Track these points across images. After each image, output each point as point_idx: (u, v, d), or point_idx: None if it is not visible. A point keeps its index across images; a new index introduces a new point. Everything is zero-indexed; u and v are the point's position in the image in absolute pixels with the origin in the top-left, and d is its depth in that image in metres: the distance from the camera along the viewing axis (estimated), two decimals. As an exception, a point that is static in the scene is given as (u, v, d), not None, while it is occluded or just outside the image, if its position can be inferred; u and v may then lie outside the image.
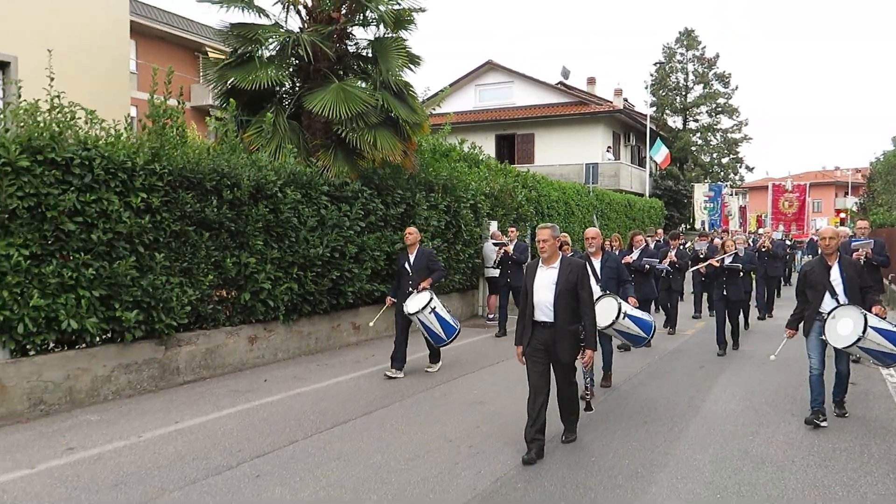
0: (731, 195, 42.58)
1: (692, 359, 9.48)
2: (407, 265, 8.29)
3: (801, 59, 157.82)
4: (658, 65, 38.92)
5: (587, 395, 5.97)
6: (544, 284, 5.25)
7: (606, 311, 6.83)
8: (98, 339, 6.87)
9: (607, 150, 31.77)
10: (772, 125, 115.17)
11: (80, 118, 6.97)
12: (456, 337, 8.21)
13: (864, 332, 5.75)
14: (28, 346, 6.32)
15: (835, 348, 6.09)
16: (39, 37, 9.34)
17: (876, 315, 5.93)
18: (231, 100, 9.55)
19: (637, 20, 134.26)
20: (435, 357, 8.60)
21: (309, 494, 4.59)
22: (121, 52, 10.52)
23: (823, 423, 6.05)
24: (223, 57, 10.85)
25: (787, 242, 22.79)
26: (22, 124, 6.38)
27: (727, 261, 9.96)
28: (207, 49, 11.69)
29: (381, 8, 10.20)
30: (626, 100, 36.24)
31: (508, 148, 33.64)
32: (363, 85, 10.81)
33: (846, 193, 65.54)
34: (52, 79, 6.91)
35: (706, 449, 5.48)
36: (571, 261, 5.38)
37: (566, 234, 10.73)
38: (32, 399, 6.32)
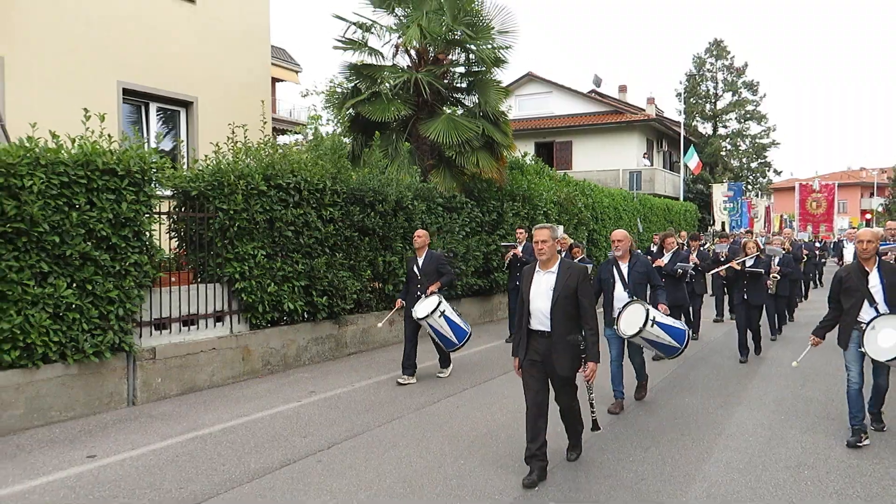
0: (758, 196, 43.88)
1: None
2: (416, 269, 8.19)
3: (826, 61, 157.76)
4: (689, 75, 40.68)
5: (592, 413, 5.33)
6: (541, 290, 4.86)
7: (634, 318, 6.45)
8: (301, 318, 9.14)
9: (644, 157, 33.69)
10: (798, 128, 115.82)
11: (276, 151, 9.26)
12: (468, 340, 8.06)
13: None
14: (260, 323, 8.59)
15: (874, 361, 5.63)
16: (213, 80, 11.68)
17: None
18: (376, 132, 11.74)
19: (665, 30, 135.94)
20: (445, 361, 8.54)
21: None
22: (265, 90, 12.85)
23: (866, 442, 5.66)
24: (346, 91, 13.13)
25: (817, 244, 22.72)
26: (256, 159, 8.64)
27: (748, 263, 9.59)
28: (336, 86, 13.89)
29: (484, 48, 12.37)
30: (657, 107, 38.14)
31: (547, 155, 35.51)
32: (461, 112, 13.04)
33: (872, 194, 66.40)
34: (264, 122, 9.16)
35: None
36: (571, 264, 5.00)
37: (566, 236, 11.72)
38: (263, 360, 8.61)
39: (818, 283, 21.61)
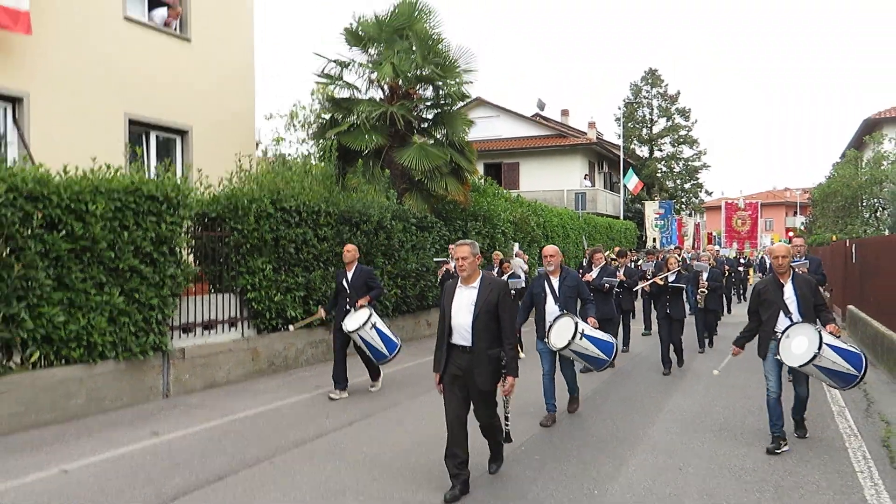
0: (689, 215, 46.69)
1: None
2: (345, 282, 8.22)
3: (755, 85, 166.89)
4: (626, 102, 43.42)
5: (506, 425, 5.31)
6: (463, 305, 4.90)
7: (563, 331, 6.58)
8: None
9: (585, 178, 35.85)
10: (728, 151, 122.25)
11: (280, 177, 10.51)
12: (397, 353, 8.10)
13: (819, 349, 5.52)
14: (264, 327, 9.78)
15: (791, 369, 5.86)
16: (205, 111, 12.82)
17: (830, 333, 5.74)
18: (359, 160, 13.08)
19: (604, 58, 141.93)
20: (375, 375, 8.59)
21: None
22: (251, 121, 14.06)
23: (785, 449, 5.86)
24: (325, 121, 14.44)
25: (742, 261, 24.21)
26: (262, 185, 9.88)
27: (670, 279, 9.91)
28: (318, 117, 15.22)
29: (451, 84, 13.91)
30: (598, 131, 40.56)
31: (496, 175, 37.20)
32: (430, 141, 14.52)
33: (795, 213, 70.91)
34: (249, 157, 10.39)
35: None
36: (493, 279, 5.06)
37: (499, 253, 12.63)
38: (269, 361, 9.79)
39: (741, 297, 22.56)
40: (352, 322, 7.95)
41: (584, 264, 12.09)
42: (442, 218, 14.33)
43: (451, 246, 11.62)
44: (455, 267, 5.24)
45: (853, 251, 14.01)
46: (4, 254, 6.32)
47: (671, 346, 9.86)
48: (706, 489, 5.04)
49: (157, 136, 12.24)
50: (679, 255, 12.49)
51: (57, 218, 6.80)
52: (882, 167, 23.68)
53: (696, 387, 8.91)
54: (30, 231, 6.52)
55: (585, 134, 38.50)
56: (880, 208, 24.53)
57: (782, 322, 5.90)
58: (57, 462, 5.68)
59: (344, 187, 12.86)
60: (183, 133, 12.60)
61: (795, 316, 5.89)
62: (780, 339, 5.82)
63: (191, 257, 9.41)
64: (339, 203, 11.11)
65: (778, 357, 5.81)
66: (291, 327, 9.65)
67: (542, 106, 42.26)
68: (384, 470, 5.50)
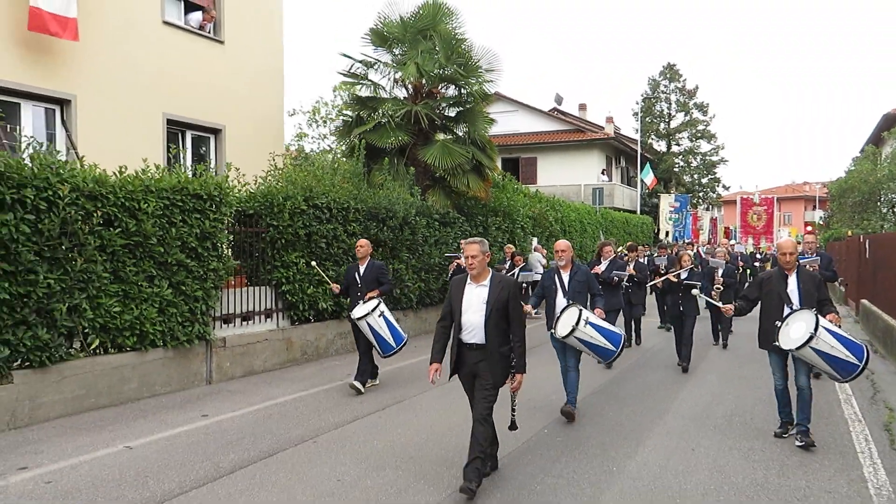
0: (706, 209, 46.67)
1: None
2: (357, 276, 8.35)
3: (773, 82, 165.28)
4: (644, 97, 43.54)
5: (513, 413, 5.36)
6: (473, 303, 4.98)
7: (568, 319, 6.67)
8: (329, 316, 10.88)
9: (602, 173, 36.10)
10: (746, 147, 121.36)
11: (312, 176, 11.01)
12: (404, 346, 8.15)
13: (815, 329, 5.51)
14: (297, 318, 10.31)
15: (794, 360, 5.96)
16: (237, 111, 13.35)
17: (830, 321, 5.74)
18: (384, 158, 13.56)
19: (622, 52, 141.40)
20: (362, 376, 8.33)
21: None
22: (280, 120, 14.60)
23: (793, 432, 6.08)
24: (350, 119, 14.93)
25: (758, 256, 23.94)
26: (295, 183, 10.39)
27: (682, 276, 9.94)
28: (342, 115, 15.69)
29: (474, 84, 14.33)
30: (615, 126, 40.76)
31: (513, 169, 37.52)
32: (452, 139, 14.94)
33: (814, 207, 70.52)
34: (289, 147, 10.90)
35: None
36: (503, 278, 5.13)
37: (511, 246, 13.05)
38: (302, 350, 10.32)
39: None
40: (360, 309, 8.04)
41: (594, 258, 12.00)
42: (463, 213, 14.77)
43: (462, 242, 11.52)
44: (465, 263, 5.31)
45: (867, 247, 14.28)
46: (68, 249, 6.85)
47: (682, 341, 9.90)
48: (716, 466, 5.52)
49: (192, 136, 12.79)
50: (693, 251, 12.44)
51: (113, 215, 7.34)
52: (900, 163, 23.73)
53: (709, 377, 9.29)
54: (89, 228, 7.05)
55: (603, 129, 38.71)
56: (898, 203, 24.62)
57: (785, 313, 5.98)
58: (121, 440, 6.22)
59: (369, 184, 13.35)
60: (216, 132, 13.15)
61: (797, 307, 5.99)
62: (780, 327, 5.87)
63: (229, 252, 9.95)
64: (367, 200, 11.60)
65: (776, 343, 5.85)
66: (314, 263, 9.47)
67: (559, 100, 42.52)
68: (419, 448, 5.99)
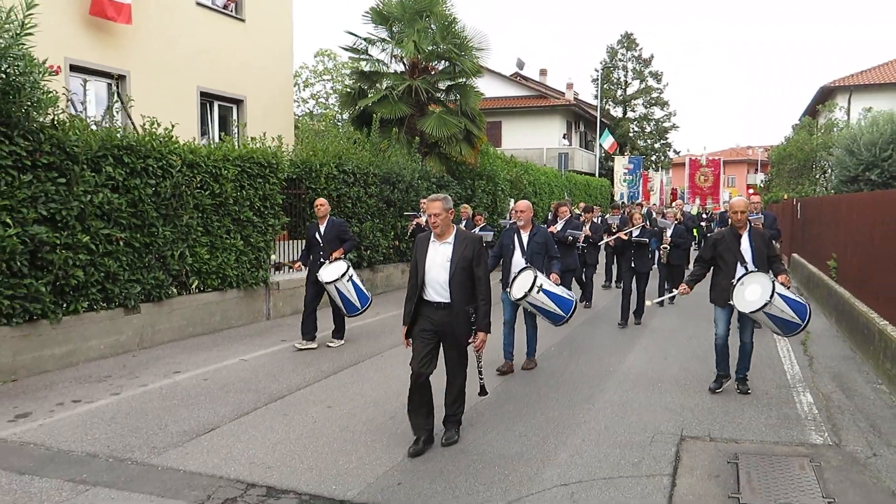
0: (655, 171, 49.30)
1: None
2: (318, 235, 8.34)
3: (722, 46, 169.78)
4: (604, 66, 45.66)
5: (480, 378, 5.31)
6: (437, 261, 4.90)
7: (523, 282, 6.77)
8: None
9: (563, 137, 38.23)
10: (696, 110, 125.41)
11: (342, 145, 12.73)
12: (369, 306, 8.32)
13: (771, 297, 5.78)
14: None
15: (740, 315, 6.25)
16: (256, 83, 14.82)
17: (782, 284, 6.02)
18: (392, 129, 15.27)
19: (581, 18, 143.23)
20: (339, 333, 8.65)
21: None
22: (290, 92, 16.11)
23: (726, 385, 6.49)
24: (354, 90, 16.54)
25: (703, 216, 25.83)
26: (328, 152, 12.09)
27: (634, 234, 10.23)
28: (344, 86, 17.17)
29: (467, 61, 16.08)
30: (575, 92, 42.79)
31: (479, 133, 39.34)
32: (446, 111, 16.72)
33: (756, 170, 74.37)
34: (326, 117, 12.58)
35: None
36: (467, 234, 5.02)
37: (467, 207, 13.06)
38: (333, 295, 12.15)
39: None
40: (328, 273, 8.03)
41: (550, 217, 12.22)
42: (455, 177, 16.66)
43: (423, 201, 11.35)
44: (427, 222, 5.23)
45: (798, 208, 16.76)
46: (175, 208, 8.53)
47: (636, 296, 10.18)
48: (685, 367, 7.63)
49: (219, 106, 14.27)
50: (644, 210, 13.34)
51: (203, 180, 9.01)
52: (832, 134, 26.49)
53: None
54: (190, 191, 8.72)
55: (564, 95, 40.68)
56: (829, 170, 27.45)
57: (739, 272, 6.24)
58: (233, 355, 8.06)
59: (374, 151, 15.07)
60: (239, 102, 14.65)
61: (750, 266, 6.22)
62: (734, 285, 6.11)
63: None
64: (381, 166, 13.38)
65: (731, 303, 6.13)
66: (280, 271, 10.37)
67: (521, 65, 44.23)
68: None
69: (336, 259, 8.24)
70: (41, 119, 6.84)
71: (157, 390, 6.60)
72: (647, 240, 10.25)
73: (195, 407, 6.08)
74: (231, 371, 7.35)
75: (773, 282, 5.97)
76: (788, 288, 6.19)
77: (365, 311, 8.37)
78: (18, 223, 6.55)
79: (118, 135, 7.82)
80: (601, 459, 4.91)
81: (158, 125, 8.42)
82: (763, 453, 5.01)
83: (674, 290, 7.26)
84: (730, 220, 6.62)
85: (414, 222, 11.60)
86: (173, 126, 8.65)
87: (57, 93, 6.89)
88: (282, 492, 4.36)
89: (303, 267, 8.72)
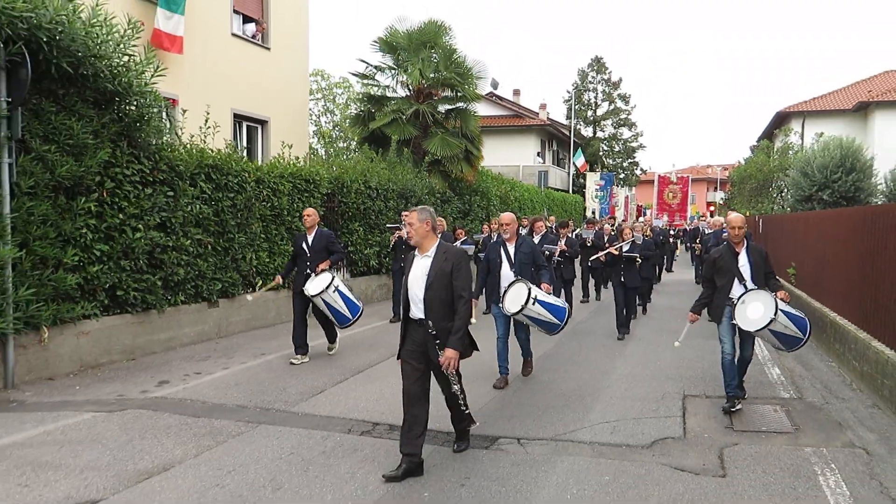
0: (619, 187, 51.64)
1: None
2: (305, 246, 8.21)
3: (685, 72, 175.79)
4: (575, 88, 48.04)
5: (461, 406, 5.04)
6: (417, 276, 4.67)
7: (517, 296, 6.72)
8: (374, 272, 14.25)
9: (538, 155, 40.28)
10: (660, 129, 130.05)
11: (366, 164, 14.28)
12: (360, 316, 8.12)
13: (775, 314, 5.85)
14: (356, 272, 13.62)
15: (741, 332, 6.24)
16: (278, 106, 16.30)
17: (781, 300, 6.04)
18: (404, 149, 16.87)
19: (553, 40, 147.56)
20: (332, 337, 8.69)
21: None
22: (305, 115, 17.60)
23: (739, 407, 6.33)
24: (363, 112, 18.12)
25: (671, 232, 26.84)
26: (356, 170, 13.64)
27: (625, 249, 10.47)
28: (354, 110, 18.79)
29: (468, 88, 17.81)
30: (548, 112, 44.98)
31: (458, 150, 41.05)
32: (447, 132, 18.41)
33: (716, 188, 77.74)
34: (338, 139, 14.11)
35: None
36: (448, 248, 4.78)
37: (443, 220, 12.84)
38: (358, 294, 13.67)
39: (670, 268, 23.00)
40: (314, 286, 7.89)
41: (525, 232, 11.96)
42: (456, 193, 18.32)
43: (404, 213, 11.44)
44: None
45: (760, 223, 18.81)
46: (246, 217, 9.98)
47: (625, 310, 10.35)
48: (677, 352, 9.28)
49: (247, 126, 15.70)
50: (615, 224, 14.19)
51: (266, 194, 10.48)
52: (788, 156, 28.95)
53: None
54: (257, 203, 10.18)
55: (538, 115, 42.79)
56: (785, 189, 29.89)
57: (737, 289, 6.28)
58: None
59: (391, 168, 16.64)
60: (264, 123, 16.09)
61: (749, 283, 6.26)
62: (735, 304, 6.17)
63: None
64: (398, 182, 14.97)
65: (734, 322, 6.18)
66: (250, 297, 9.52)
67: (495, 85, 46.13)
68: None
69: (322, 271, 8.13)
70: (156, 142, 8.28)
71: (258, 366, 8.06)
72: (637, 255, 10.44)
73: (299, 376, 7.57)
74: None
75: (774, 299, 6.02)
76: (788, 303, 6.25)
77: (357, 320, 8.21)
78: (143, 228, 7.98)
79: (209, 154, 9.27)
80: (627, 409, 6.54)
81: (235, 149, 9.87)
82: (747, 403, 6.72)
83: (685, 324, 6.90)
84: (726, 236, 6.81)
85: (396, 235, 11.59)
86: (244, 149, 10.10)
87: (169, 120, 8.33)
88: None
89: (281, 280, 8.53)
